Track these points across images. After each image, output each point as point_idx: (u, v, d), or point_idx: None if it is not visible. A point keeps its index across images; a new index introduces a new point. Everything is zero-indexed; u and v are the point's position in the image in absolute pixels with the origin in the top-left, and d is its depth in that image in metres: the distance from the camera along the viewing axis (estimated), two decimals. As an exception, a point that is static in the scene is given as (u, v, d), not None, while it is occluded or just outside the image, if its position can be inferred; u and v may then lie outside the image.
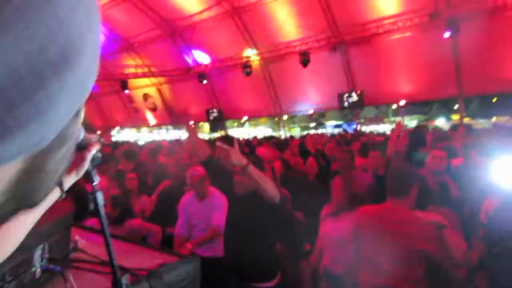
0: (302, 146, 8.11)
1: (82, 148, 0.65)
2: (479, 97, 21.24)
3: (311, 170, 5.83)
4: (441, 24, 12.32)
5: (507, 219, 2.29)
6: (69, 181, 0.61)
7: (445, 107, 28.13)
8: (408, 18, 13.04)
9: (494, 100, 22.41)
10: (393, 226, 2.44)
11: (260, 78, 17.77)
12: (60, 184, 0.56)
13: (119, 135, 26.78)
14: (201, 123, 25.34)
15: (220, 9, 16.10)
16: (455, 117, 28.03)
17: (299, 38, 15.67)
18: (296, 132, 30.44)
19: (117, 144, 11.74)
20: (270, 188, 2.40)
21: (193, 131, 2.97)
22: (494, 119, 25.57)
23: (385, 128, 30.52)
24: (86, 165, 0.65)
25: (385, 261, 2.29)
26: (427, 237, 2.34)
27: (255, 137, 16.61)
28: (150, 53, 20.54)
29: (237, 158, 2.30)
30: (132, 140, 18.98)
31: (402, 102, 15.49)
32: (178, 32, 18.55)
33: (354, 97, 15.84)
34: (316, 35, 15.14)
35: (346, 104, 16.21)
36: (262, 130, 31.46)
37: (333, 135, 15.10)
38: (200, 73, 18.90)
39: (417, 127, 7.65)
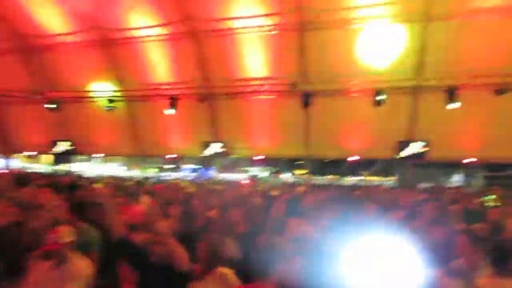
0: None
1: None
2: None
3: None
4: (299, 94, 14.09)
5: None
6: None
7: (291, 162, 31.42)
8: (272, 84, 14.48)
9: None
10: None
11: (122, 115, 16.93)
12: None
13: None
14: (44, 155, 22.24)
15: (88, 36, 14.99)
16: (299, 172, 31.82)
17: (170, 82, 15.66)
18: (151, 172, 29.52)
19: None
20: None
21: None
22: (328, 176, 29.85)
23: (239, 176, 32.36)
24: None
25: None
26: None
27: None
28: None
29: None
30: None
31: (259, 157, 16.90)
32: (32, 49, 16.38)
33: (218, 148, 16.40)
34: (187, 82, 15.40)
35: (207, 153, 16.65)
36: (115, 168, 29.42)
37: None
38: (50, 100, 16.82)
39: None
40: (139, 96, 16.40)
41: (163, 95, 15.50)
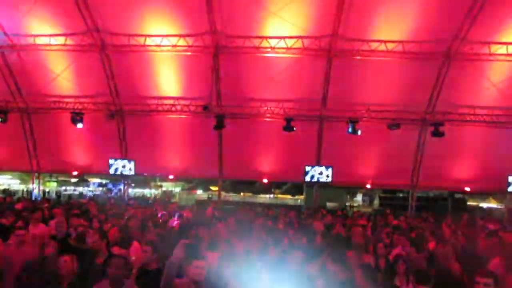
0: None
1: None
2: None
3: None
4: (211, 115, 14.06)
5: None
6: None
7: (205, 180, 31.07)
8: (185, 105, 14.24)
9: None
10: None
11: (17, 128, 15.26)
12: None
13: None
14: None
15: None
16: (213, 188, 31.69)
17: (74, 95, 14.52)
18: (53, 186, 26.96)
19: None
20: None
21: None
22: (242, 194, 30.17)
23: (150, 192, 31.11)
24: None
25: None
26: None
27: None
28: None
29: None
30: None
31: (172, 176, 16.47)
32: None
33: (126, 166, 15.58)
34: (93, 96, 14.45)
35: (116, 171, 15.72)
36: (6, 181, 26.28)
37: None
38: None
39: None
40: (37, 108, 14.93)
41: (65, 109, 14.32)
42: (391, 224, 9.98)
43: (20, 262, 4.45)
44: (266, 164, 15.42)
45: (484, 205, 24.28)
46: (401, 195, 27.87)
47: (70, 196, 22.41)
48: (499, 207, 22.91)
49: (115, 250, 4.92)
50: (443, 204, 21.96)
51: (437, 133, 12.45)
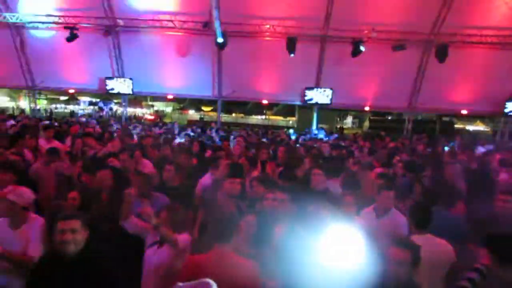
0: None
1: None
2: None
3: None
4: (211, 33, 13.52)
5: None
6: None
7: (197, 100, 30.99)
8: (183, 21, 13.57)
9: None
10: (219, 273, 2.38)
11: (9, 45, 14.54)
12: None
13: None
14: None
15: None
16: (206, 109, 31.74)
17: (65, 9, 13.60)
18: (42, 104, 26.48)
19: None
20: None
21: None
22: (234, 114, 30.37)
23: (142, 111, 30.97)
24: None
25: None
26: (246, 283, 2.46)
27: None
28: None
29: None
30: None
31: (170, 96, 16.34)
32: None
33: (123, 85, 15.28)
34: (86, 10, 13.56)
35: (110, 89, 15.43)
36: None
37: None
38: None
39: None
40: (29, 23, 14.04)
41: (59, 23, 13.51)
42: (388, 146, 10.40)
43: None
44: (266, 85, 15.31)
45: (471, 127, 25.29)
46: (390, 117, 28.72)
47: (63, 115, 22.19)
48: (486, 129, 23.95)
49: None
50: (432, 127, 22.81)
51: (441, 55, 12.38)
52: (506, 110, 14.24)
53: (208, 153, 7.03)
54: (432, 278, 2.99)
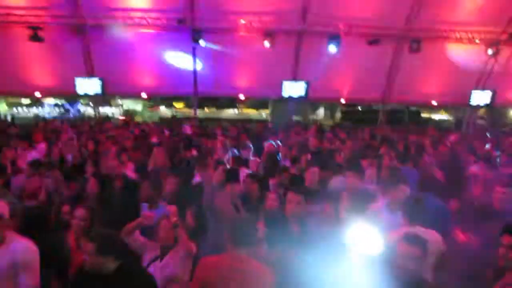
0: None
1: None
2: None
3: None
4: (185, 30, 13.28)
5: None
6: None
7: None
8: (156, 18, 13.23)
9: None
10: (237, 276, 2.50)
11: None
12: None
13: None
14: None
15: None
16: (178, 106, 31.12)
17: (28, 7, 12.86)
18: (3, 108, 24.94)
19: None
20: None
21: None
22: (205, 109, 30.04)
23: (112, 110, 29.90)
24: None
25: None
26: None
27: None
28: None
29: None
30: None
31: (144, 95, 15.91)
32: None
33: (94, 86, 14.70)
34: (50, 8, 12.89)
35: (81, 90, 14.80)
36: None
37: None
38: None
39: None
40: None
41: (19, 23, 12.75)
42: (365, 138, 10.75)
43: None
44: (242, 80, 15.25)
45: (436, 116, 26.54)
46: (360, 108, 29.41)
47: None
48: (449, 118, 25.38)
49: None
50: (400, 116, 23.66)
51: (415, 49, 12.88)
52: (470, 101, 15.22)
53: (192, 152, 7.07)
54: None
